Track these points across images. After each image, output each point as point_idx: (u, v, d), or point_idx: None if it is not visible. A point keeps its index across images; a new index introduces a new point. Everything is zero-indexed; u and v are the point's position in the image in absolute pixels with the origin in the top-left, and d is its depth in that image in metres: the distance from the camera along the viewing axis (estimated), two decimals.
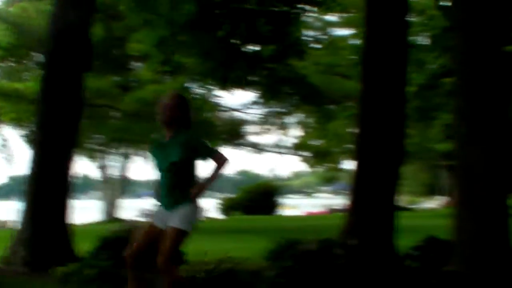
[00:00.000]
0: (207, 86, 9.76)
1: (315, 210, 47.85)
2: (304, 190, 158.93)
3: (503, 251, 5.93)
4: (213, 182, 5.14)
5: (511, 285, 5.72)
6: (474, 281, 5.84)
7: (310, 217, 35.07)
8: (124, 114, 21.07)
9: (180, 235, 4.98)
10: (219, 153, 5.21)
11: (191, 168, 5.14)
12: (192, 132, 5.16)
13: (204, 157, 5.15)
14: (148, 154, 5.74)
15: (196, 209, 5.10)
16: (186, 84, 22.78)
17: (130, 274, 5.05)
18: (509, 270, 5.83)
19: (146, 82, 17.91)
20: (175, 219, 4.96)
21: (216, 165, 5.10)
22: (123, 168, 38.94)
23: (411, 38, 19.82)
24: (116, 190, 39.95)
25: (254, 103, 9.97)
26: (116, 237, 7.71)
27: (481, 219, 5.99)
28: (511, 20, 7.48)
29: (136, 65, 24.32)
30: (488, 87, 6.12)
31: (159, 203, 5.18)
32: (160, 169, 5.12)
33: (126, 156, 36.22)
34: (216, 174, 5.13)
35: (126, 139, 24.52)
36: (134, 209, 39.93)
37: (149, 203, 37.32)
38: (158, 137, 5.66)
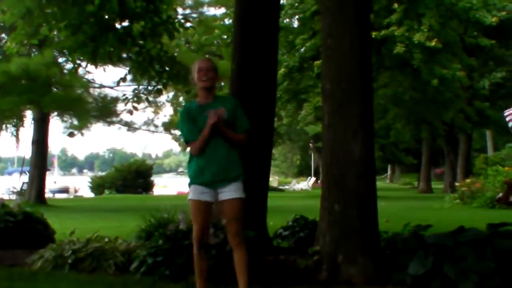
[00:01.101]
0: (77, 61, 9.46)
1: (186, 190, 47.93)
2: (177, 169, 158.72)
3: (370, 233, 6.16)
4: (234, 139, 4.93)
5: (376, 265, 5.98)
6: (336, 262, 6.06)
7: (181, 196, 35.10)
8: None
9: (243, 204, 4.90)
10: (249, 130, 5.07)
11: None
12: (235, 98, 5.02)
13: (237, 127, 4.98)
14: (180, 120, 5.27)
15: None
16: (55, 59, 22.01)
17: (198, 255, 5.02)
18: (374, 253, 6.07)
19: (12, 55, 17.09)
20: (231, 189, 4.87)
21: (240, 138, 4.97)
22: None
23: (281, 20, 20.33)
24: None
25: (123, 79, 9.74)
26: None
27: (347, 201, 6.14)
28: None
29: (2, 36, 23.14)
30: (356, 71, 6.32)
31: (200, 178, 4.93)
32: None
33: None
34: (239, 138, 4.98)
35: None
36: (2, 186, 38.30)
37: (16, 180, 36.07)
38: (189, 103, 5.42)
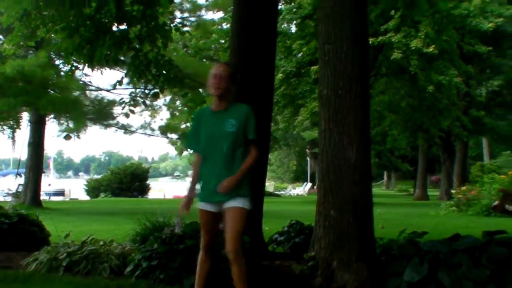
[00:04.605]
0: (74, 64, 9.46)
1: (182, 194, 47.93)
2: (173, 173, 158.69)
3: (366, 239, 6.16)
4: (246, 173, 4.80)
5: (372, 271, 5.98)
6: (331, 268, 6.05)
7: (177, 200, 35.07)
8: None
9: (245, 214, 4.79)
10: (256, 141, 4.92)
11: (243, 146, 4.86)
12: (248, 106, 4.93)
13: (247, 137, 4.85)
14: (191, 123, 5.24)
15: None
16: (51, 61, 22.00)
17: (204, 258, 5.00)
18: (369, 259, 6.07)
19: (8, 56, 17.09)
20: (235, 198, 4.74)
21: (250, 153, 4.84)
22: None
23: (279, 25, 20.35)
24: None
25: (119, 82, 9.72)
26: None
27: (343, 207, 6.14)
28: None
29: None
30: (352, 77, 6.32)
31: (203, 187, 4.86)
32: (211, 143, 4.81)
33: None
34: (250, 164, 4.82)
35: None
36: None
37: (11, 182, 36.00)
38: (204, 107, 5.32)
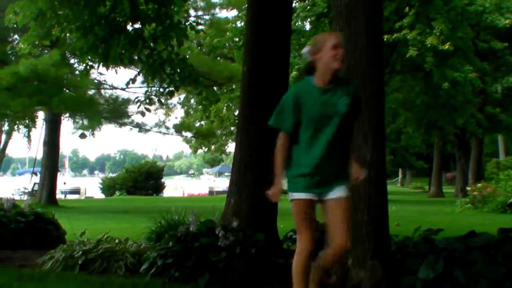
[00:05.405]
0: (89, 63, 9.49)
1: (195, 192, 48.07)
2: (188, 171, 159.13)
3: (381, 237, 6.15)
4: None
5: (387, 269, 5.96)
6: (346, 265, 6.04)
7: (191, 198, 35.18)
8: (0, 89, 20.09)
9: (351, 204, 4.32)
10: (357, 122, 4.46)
11: (351, 127, 4.36)
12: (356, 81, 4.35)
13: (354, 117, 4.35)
14: (283, 99, 4.74)
15: None
16: (67, 60, 22.11)
17: (308, 266, 4.35)
18: (384, 256, 6.06)
19: (23, 56, 17.19)
20: (342, 185, 4.23)
21: (352, 135, 4.41)
22: (0, 144, 37.11)
23: (293, 23, 20.32)
24: None
25: (133, 81, 9.73)
26: None
27: (358, 204, 6.12)
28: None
29: (15, 37, 23.29)
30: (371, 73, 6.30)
31: (306, 176, 4.21)
32: (319, 124, 4.17)
33: (6, 133, 34.49)
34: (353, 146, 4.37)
35: (3, 114, 23.37)
36: (11, 187, 38.54)
37: (27, 181, 36.29)
38: (302, 82, 4.48)
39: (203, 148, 38.36)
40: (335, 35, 4.25)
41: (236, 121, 10.86)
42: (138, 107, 10.33)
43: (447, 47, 19.78)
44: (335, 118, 4.15)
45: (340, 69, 4.19)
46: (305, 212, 4.20)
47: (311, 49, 4.28)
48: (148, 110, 10.67)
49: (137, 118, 27.40)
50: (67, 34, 9.44)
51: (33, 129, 26.36)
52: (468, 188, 23.85)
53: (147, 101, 10.47)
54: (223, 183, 50.50)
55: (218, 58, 26.44)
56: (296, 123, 4.20)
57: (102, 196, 41.87)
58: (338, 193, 4.20)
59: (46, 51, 22.08)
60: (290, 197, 4.27)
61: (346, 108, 4.15)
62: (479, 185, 21.65)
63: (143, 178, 43.04)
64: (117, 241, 7.26)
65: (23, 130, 26.18)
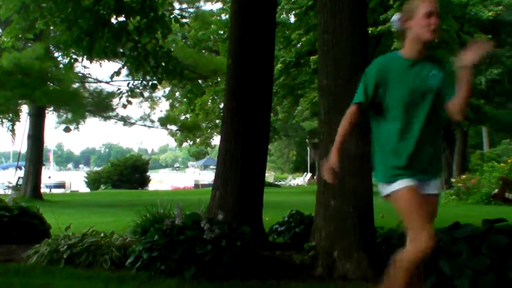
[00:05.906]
0: (73, 56, 9.43)
1: (181, 185, 48.01)
2: (173, 164, 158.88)
3: (366, 229, 6.17)
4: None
5: (372, 260, 5.98)
6: (332, 257, 6.06)
7: (176, 191, 35.12)
8: None
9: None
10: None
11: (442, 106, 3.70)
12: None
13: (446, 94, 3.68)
14: (366, 72, 3.82)
15: None
16: (51, 53, 21.94)
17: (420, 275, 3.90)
18: (369, 248, 6.08)
19: (6, 49, 17.03)
20: (437, 183, 3.80)
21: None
22: None
23: (278, 15, 20.30)
24: None
25: (117, 73, 9.68)
26: None
27: (343, 196, 6.14)
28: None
29: None
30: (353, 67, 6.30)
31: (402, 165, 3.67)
32: (412, 101, 3.64)
33: None
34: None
35: None
36: None
37: (12, 175, 36.05)
38: (388, 55, 3.93)
39: (188, 141, 38.28)
40: (428, 1, 3.65)
41: (221, 114, 10.85)
42: (120, 98, 10.29)
43: None
44: (428, 94, 3.66)
45: (432, 40, 3.68)
46: (419, 202, 3.60)
47: (402, 16, 3.75)
48: (130, 102, 10.64)
49: (122, 112, 27.34)
50: (51, 27, 9.38)
51: (17, 123, 26.13)
52: (453, 180, 24.03)
53: (130, 93, 10.43)
54: (208, 176, 50.51)
55: (203, 51, 26.38)
56: (380, 101, 3.73)
57: (87, 190, 41.73)
58: (432, 189, 3.74)
59: (29, 44, 21.91)
60: (389, 190, 3.72)
61: (438, 83, 3.67)
62: (464, 176, 21.82)
63: (129, 171, 42.96)
64: (102, 235, 7.23)
65: (6, 123, 25.96)
